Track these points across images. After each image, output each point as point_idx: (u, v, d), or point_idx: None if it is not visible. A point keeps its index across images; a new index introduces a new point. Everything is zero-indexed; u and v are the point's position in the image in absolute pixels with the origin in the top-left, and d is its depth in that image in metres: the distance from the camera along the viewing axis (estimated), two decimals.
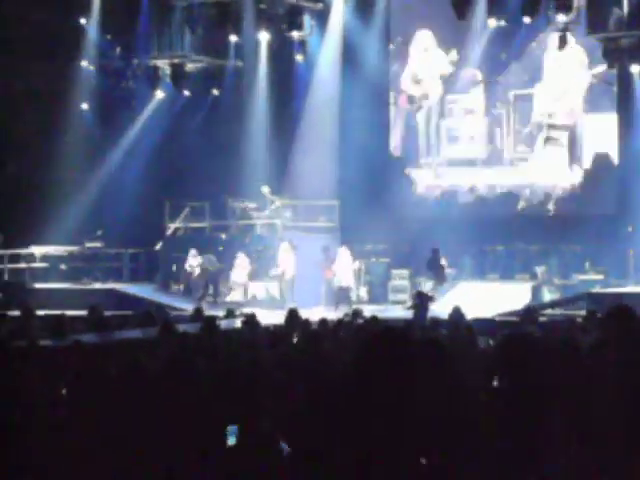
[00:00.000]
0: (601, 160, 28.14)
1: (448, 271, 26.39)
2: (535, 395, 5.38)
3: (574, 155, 28.76)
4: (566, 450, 5.60)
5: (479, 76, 29.72)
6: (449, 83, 29.94)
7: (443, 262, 26.07)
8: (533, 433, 5.33)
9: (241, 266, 26.90)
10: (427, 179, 30.41)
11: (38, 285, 27.06)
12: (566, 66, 28.47)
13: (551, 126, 29.17)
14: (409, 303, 22.97)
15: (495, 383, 6.12)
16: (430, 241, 26.26)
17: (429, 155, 30.38)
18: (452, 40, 29.38)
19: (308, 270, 26.05)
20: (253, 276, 26.99)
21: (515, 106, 29.67)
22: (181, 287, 27.61)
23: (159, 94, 29.77)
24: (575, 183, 28.49)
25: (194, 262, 27.30)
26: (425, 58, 30.18)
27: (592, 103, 28.32)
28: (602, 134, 28.19)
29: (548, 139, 29.15)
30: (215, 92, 30.16)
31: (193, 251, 27.33)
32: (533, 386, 5.41)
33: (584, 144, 28.63)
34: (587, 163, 28.45)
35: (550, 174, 29.04)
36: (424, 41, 30.00)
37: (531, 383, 5.40)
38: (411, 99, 30.48)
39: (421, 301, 20.03)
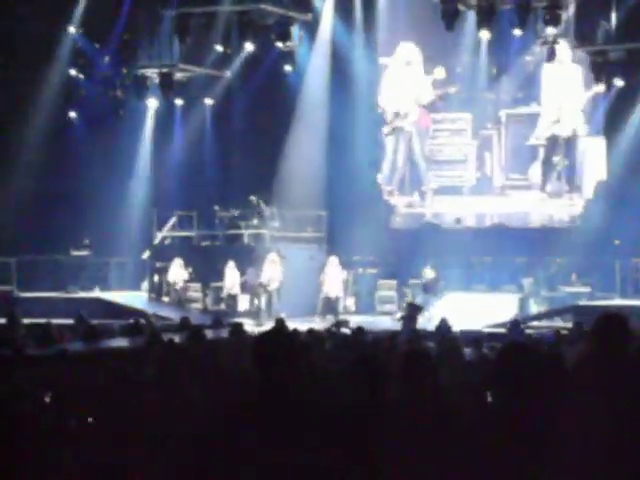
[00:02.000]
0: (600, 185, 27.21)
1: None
2: (537, 407, 5.36)
3: (573, 183, 27.69)
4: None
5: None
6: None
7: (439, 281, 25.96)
8: (536, 447, 5.30)
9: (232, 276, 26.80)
10: (405, 208, 29.33)
11: (24, 293, 26.96)
12: (564, 85, 27.23)
13: (547, 150, 27.66)
14: (398, 314, 22.96)
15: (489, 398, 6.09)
16: (418, 252, 26.25)
17: (400, 183, 29.24)
18: (439, 55, 28.41)
19: (296, 280, 26.03)
20: (243, 288, 26.91)
21: (507, 127, 28.46)
22: (168, 299, 27.46)
23: (151, 102, 29.77)
24: (575, 214, 27.65)
25: (181, 272, 27.18)
26: (405, 72, 29.10)
27: (591, 125, 27.50)
28: (601, 157, 27.39)
29: (544, 165, 27.80)
30: (207, 101, 30.30)
31: (178, 260, 27.24)
32: (534, 398, 5.38)
33: (585, 170, 27.58)
34: (588, 191, 27.37)
35: (547, 205, 27.92)
36: (408, 54, 28.94)
37: (532, 395, 5.38)
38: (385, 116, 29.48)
39: (410, 312, 20.02)
